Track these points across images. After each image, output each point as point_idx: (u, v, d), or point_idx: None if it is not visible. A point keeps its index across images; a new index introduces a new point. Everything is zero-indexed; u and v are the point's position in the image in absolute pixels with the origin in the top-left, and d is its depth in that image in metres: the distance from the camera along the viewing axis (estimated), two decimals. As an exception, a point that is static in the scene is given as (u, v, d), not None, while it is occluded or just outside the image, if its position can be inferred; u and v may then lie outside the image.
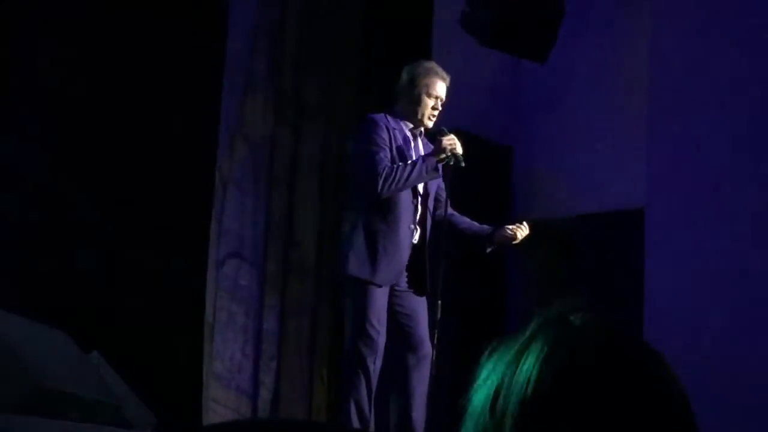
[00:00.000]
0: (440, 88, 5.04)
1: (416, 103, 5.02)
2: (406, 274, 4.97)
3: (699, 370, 5.52)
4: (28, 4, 7.59)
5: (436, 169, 4.90)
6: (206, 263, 7.55)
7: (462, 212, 5.22)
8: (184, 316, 7.43)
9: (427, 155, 4.93)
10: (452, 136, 4.94)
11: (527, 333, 1.18)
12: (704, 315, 5.92)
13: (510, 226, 5.07)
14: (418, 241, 5.00)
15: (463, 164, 4.94)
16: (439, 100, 5.03)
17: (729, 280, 5.87)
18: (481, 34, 6.70)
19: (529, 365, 1.14)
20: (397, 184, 4.82)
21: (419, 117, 5.03)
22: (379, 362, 4.87)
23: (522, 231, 5.06)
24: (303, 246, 7.49)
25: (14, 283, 6.96)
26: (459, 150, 4.91)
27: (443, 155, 4.89)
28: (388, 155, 4.89)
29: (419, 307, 4.99)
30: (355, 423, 4.84)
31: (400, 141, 5.00)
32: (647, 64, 6.56)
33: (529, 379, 1.13)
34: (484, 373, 1.18)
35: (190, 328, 7.42)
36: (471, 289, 6.89)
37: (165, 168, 7.66)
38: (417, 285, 4.99)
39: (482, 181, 7.00)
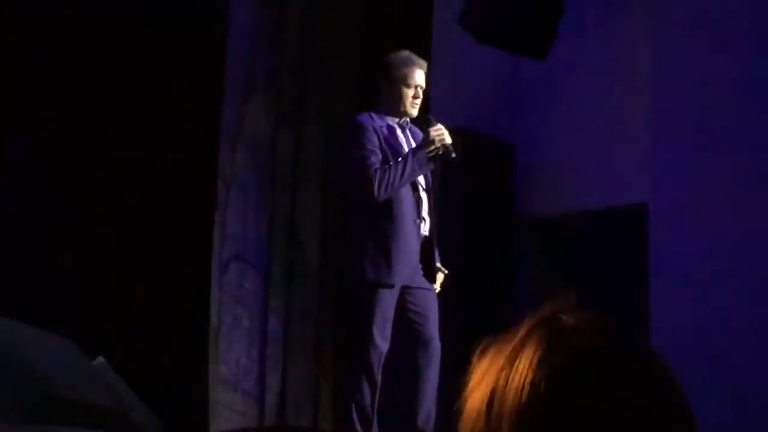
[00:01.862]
0: (418, 76, 5.04)
1: (396, 95, 5.02)
2: (420, 266, 4.98)
3: (704, 367, 5.51)
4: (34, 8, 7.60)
5: (428, 161, 4.90)
6: (210, 267, 7.55)
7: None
8: (188, 320, 7.43)
9: (416, 149, 4.93)
10: (439, 126, 4.94)
11: (519, 334, 1.17)
12: (709, 310, 5.91)
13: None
14: (428, 233, 5.02)
15: (453, 155, 4.94)
16: (419, 89, 5.03)
17: (733, 274, 5.86)
18: (480, 32, 6.69)
19: (522, 368, 1.13)
20: (392, 185, 4.82)
21: (402, 108, 5.03)
22: (381, 365, 4.88)
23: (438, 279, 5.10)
24: (306, 248, 7.48)
25: (17, 290, 6.96)
26: (448, 140, 4.91)
27: (432, 146, 4.88)
28: (379, 156, 4.89)
29: (431, 305, 5.01)
30: (357, 426, 4.84)
31: (388, 136, 4.99)
32: (649, 58, 6.55)
33: (523, 384, 1.12)
34: (477, 375, 1.17)
35: (195, 332, 7.42)
36: (475, 286, 6.88)
37: (167, 171, 7.66)
38: (429, 276, 5.01)
39: (484, 178, 6.99)
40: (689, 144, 6.20)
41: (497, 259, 7.02)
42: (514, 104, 7.49)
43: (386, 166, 4.85)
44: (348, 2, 7.84)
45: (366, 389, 4.84)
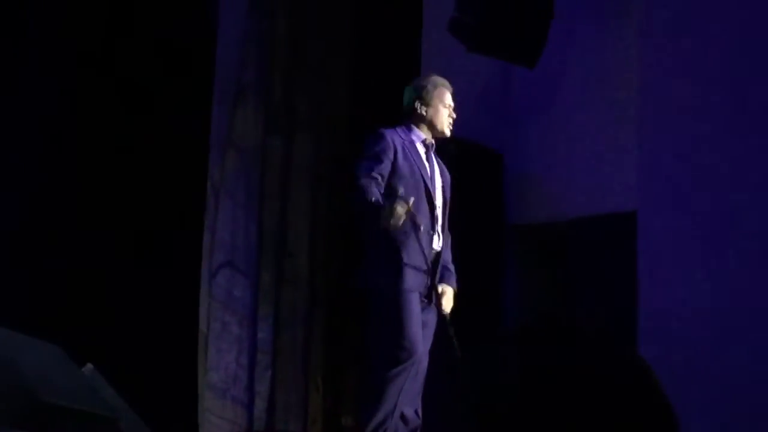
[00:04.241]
0: (449, 97, 5.18)
1: (435, 116, 5.13)
2: (428, 279, 4.95)
3: (693, 373, 5.52)
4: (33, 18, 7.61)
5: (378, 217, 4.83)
6: (199, 274, 7.54)
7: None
8: (177, 327, 7.41)
9: (380, 208, 4.75)
10: (398, 213, 4.76)
11: (501, 339, 1.17)
12: (698, 316, 5.92)
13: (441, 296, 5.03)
14: (441, 248, 5.04)
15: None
16: (451, 109, 5.16)
17: (722, 281, 5.87)
18: (470, 40, 6.70)
19: (509, 373, 1.13)
20: (360, 201, 4.75)
21: (440, 128, 5.13)
22: (413, 372, 4.83)
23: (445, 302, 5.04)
24: (296, 255, 7.48)
25: (6, 297, 6.94)
26: (399, 224, 4.76)
27: (383, 221, 4.75)
28: (385, 166, 4.88)
29: (429, 323, 5.00)
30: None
31: (410, 150, 5.03)
32: (637, 65, 6.56)
33: (510, 388, 1.12)
34: (465, 377, 1.17)
35: (184, 339, 7.41)
36: (464, 294, 6.88)
37: (156, 179, 7.65)
38: (429, 293, 4.97)
39: (474, 186, 6.99)
40: (678, 152, 6.21)
41: (487, 267, 7.02)
42: (503, 112, 7.49)
43: (374, 181, 4.81)
44: (337, 9, 7.86)
45: (394, 399, 4.78)
